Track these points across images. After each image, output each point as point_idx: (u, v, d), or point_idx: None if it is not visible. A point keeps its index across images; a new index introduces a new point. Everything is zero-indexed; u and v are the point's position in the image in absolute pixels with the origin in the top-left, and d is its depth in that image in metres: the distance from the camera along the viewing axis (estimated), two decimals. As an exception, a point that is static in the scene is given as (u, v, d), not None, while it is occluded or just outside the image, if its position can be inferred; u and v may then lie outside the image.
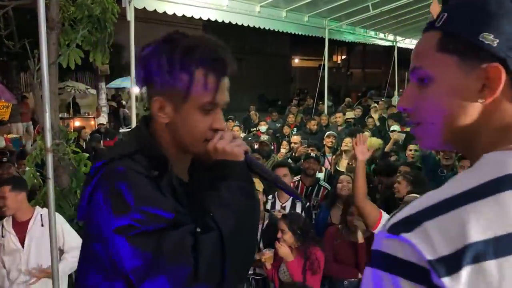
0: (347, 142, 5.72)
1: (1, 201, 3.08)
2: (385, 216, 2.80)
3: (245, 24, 7.08)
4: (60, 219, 3.09)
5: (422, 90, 0.79)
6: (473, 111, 0.75)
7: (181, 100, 1.10)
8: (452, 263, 0.60)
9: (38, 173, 4.00)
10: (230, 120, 8.81)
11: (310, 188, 4.71)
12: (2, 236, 3.18)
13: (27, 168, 4.25)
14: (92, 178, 1.10)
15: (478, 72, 0.73)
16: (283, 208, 3.93)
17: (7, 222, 3.18)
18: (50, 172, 2.78)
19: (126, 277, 1.02)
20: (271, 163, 5.43)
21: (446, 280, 0.60)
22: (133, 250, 0.99)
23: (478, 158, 0.74)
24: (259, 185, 3.57)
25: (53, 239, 2.81)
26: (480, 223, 0.62)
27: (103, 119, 10.71)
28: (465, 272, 0.60)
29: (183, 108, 1.11)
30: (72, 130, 5.43)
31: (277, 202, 3.90)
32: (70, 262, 3.05)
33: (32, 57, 3.77)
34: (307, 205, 4.03)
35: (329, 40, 9.40)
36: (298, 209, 4.00)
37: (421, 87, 0.79)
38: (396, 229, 0.66)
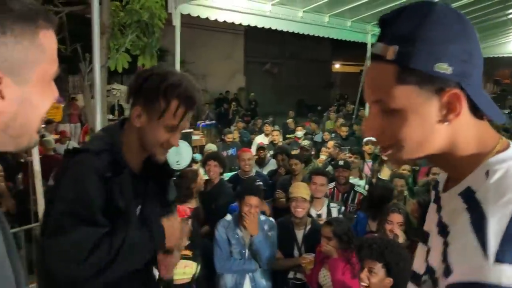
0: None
1: None
2: None
3: (287, 30, 7.11)
4: None
5: (387, 119, 0.83)
6: (440, 131, 0.81)
7: (155, 116, 1.48)
8: None
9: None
10: (267, 124, 8.82)
11: (345, 194, 4.68)
12: None
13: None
14: (65, 162, 1.48)
15: (439, 99, 0.79)
16: (319, 216, 3.91)
17: None
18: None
19: None
20: (310, 169, 5.42)
21: None
22: (63, 233, 1.36)
23: (462, 167, 0.82)
24: (306, 191, 3.61)
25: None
26: None
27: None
28: None
29: (154, 122, 1.49)
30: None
31: (312, 210, 3.88)
32: None
33: (83, 60, 3.93)
34: (342, 211, 4.01)
35: (372, 45, 9.27)
36: (335, 216, 3.97)
37: (386, 116, 0.83)
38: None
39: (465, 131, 0.81)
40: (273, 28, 6.81)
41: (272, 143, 7.68)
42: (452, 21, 0.79)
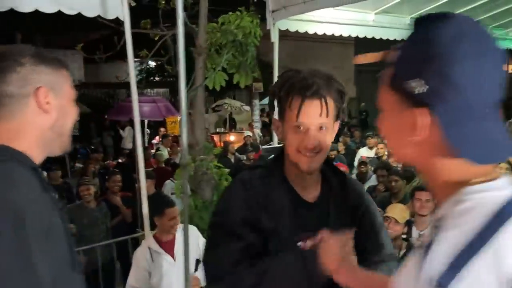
0: None
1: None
2: None
3: (393, 38, 6.78)
4: (195, 232, 3.32)
5: (381, 116, 0.84)
6: (408, 145, 0.77)
7: (283, 121, 1.39)
8: None
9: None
10: (369, 137, 8.40)
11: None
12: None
13: (175, 181, 4.69)
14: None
15: (409, 113, 0.74)
16: (421, 236, 3.63)
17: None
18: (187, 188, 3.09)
19: None
20: (414, 185, 5.07)
21: None
22: (210, 247, 1.42)
23: (441, 188, 0.76)
24: (401, 214, 3.39)
25: (187, 247, 3.04)
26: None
27: (249, 132, 11.46)
28: None
29: (284, 127, 1.39)
30: (221, 145, 5.85)
31: (414, 229, 3.61)
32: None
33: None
34: None
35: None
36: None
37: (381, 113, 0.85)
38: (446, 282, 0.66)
39: (437, 154, 0.74)
40: (378, 37, 6.56)
41: (377, 156, 7.35)
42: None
